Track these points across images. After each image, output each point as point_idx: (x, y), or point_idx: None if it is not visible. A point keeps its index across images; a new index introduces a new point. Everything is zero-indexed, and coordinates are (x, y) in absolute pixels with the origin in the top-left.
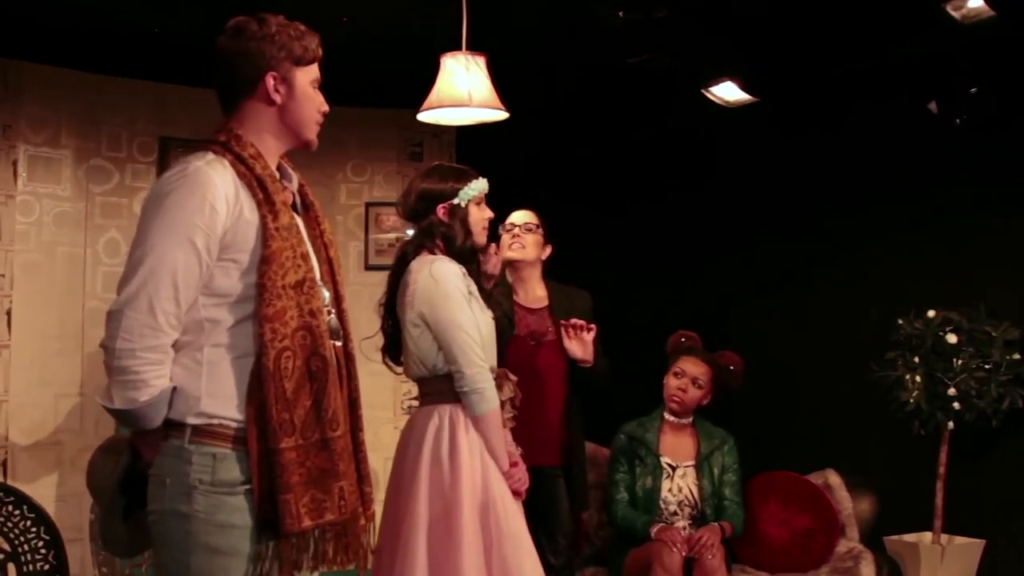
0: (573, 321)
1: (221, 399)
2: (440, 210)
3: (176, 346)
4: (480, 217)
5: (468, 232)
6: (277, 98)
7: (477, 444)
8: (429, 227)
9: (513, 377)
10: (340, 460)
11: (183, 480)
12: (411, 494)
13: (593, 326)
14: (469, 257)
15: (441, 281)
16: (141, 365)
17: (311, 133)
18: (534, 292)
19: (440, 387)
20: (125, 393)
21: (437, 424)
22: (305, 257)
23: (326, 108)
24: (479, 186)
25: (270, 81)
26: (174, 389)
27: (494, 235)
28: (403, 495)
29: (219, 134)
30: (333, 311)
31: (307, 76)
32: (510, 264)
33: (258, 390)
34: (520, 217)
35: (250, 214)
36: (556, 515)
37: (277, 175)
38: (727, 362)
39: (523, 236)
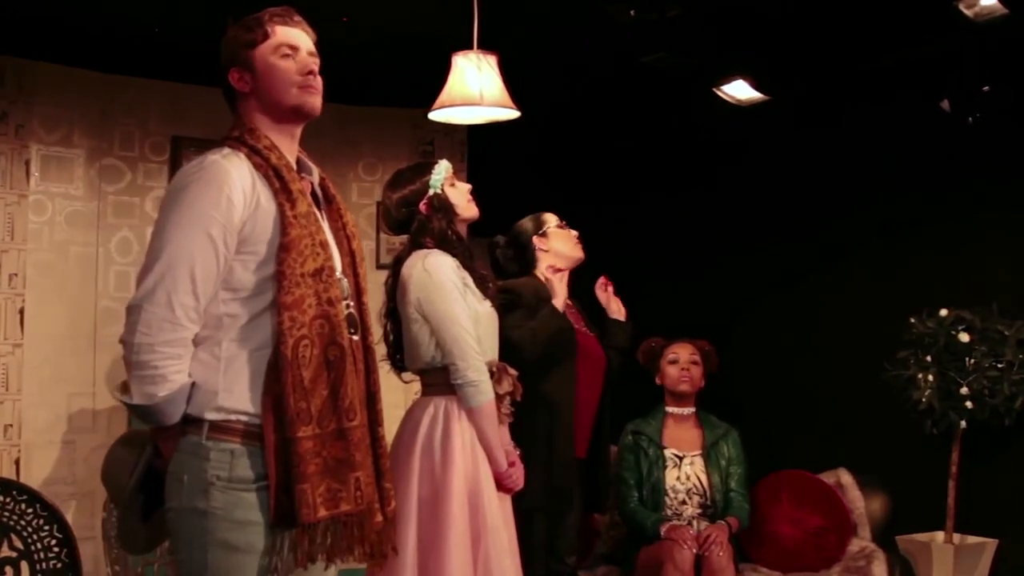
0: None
1: (239, 393)
2: (423, 207)
3: (196, 341)
4: (459, 193)
5: (453, 215)
6: (244, 87)
7: (470, 436)
8: (419, 227)
9: (513, 371)
10: (357, 450)
11: (200, 477)
12: (402, 478)
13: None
14: (459, 243)
15: (434, 273)
16: (160, 360)
17: (291, 98)
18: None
19: (438, 379)
20: (144, 388)
21: (432, 414)
22: (324, 245)
23: (310, 66)
24: (444, 167)
25: (233, 76)
26: (193, 384)
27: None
28: (396, 482)
29: (233, 130)
30: (352, 303)
31: (267, 51)
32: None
33: (275, 379)
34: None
35: (267, 203)
36: (567, 515)
37: (293, 164)
38: (702, 344)
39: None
